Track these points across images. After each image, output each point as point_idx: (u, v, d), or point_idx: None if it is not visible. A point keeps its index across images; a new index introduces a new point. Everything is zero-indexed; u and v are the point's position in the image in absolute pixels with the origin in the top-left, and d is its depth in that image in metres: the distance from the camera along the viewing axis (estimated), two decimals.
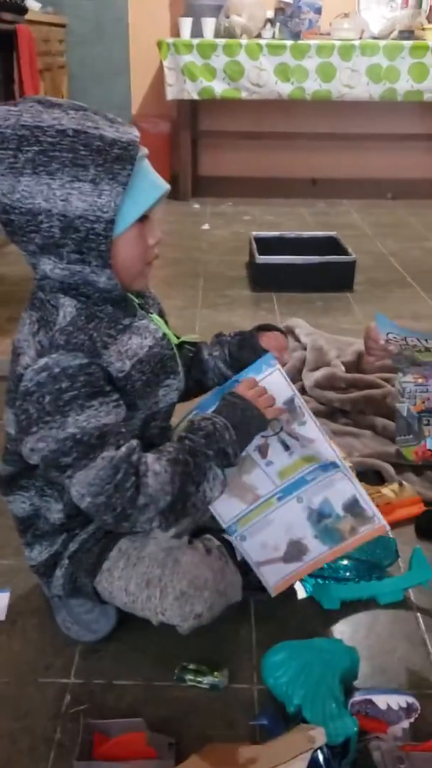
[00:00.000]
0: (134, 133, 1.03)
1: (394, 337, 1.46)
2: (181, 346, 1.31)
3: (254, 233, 3.17)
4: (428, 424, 1.36)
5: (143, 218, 1.07)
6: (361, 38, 3.99)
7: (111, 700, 1.15)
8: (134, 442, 1.08)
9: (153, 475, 1.06)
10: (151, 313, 1.20)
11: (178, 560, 1.14)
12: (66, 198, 0.98)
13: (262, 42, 3.89)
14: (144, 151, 1.06)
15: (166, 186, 1.08)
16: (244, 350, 1.30)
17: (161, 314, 1.26)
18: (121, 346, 1.09)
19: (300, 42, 3.89)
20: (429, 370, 1.43)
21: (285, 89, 3.97)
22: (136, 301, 1.17)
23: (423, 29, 4.04)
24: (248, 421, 1.17)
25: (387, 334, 1.46)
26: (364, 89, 3.96)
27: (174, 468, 1.09)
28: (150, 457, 1.08)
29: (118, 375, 1.08)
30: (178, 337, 1.29)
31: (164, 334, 1.18)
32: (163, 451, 1.11)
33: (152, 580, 1.14)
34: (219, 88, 3.98)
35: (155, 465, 1.07)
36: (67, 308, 1.05)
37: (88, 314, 1.07)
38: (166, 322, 1.26)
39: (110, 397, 1.06)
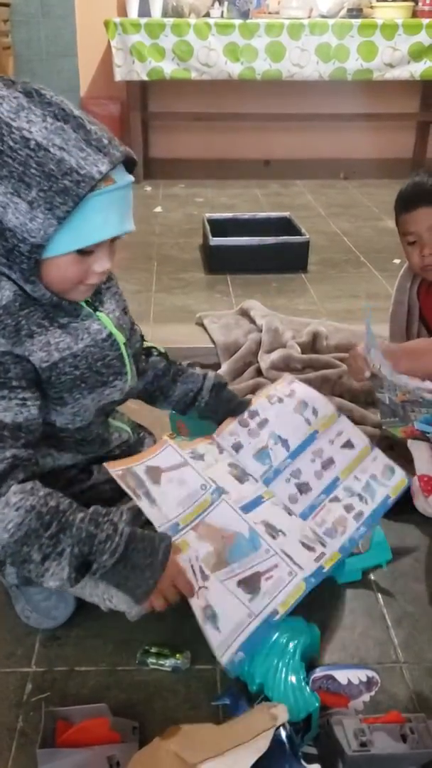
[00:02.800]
0: (100, 167, 0.95)
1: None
2: (149, 350, 1.36)
3: (207, 215, 3.15)
4: (413, 411, 1.37)
5: (86, 251, 1.01)
6: (309, 17, 3.97)
7: (73, 686, 1.15)
8: (13, 460, 1.00)
9: (3, 505, 0.99)
10: (100, 311, 1.16)
11: None
12: (3, 206, 0.95)
13: (211, 21, 3.84)
14: (121, 181, 0.99)
15: (121, 230, 1.01)
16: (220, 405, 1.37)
17: (125, 310, 1.25)
18: (52, 338, 1.07)
19: (249, 21, 3.85)
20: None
21: (235, 69, 3.93)
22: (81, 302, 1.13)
23: (371, 7, 4.04)
24: (139, 573, 1.03)
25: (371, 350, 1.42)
26: (313, 68, 3.96)
27: (30, 518, 0.99)
28: (18, 487, 1.00)
29: (42, 365, 1.06)
30: (143, 338, 1.30)
31: (110, 334, 1.15)
32: (45, 496, 1.01)
33: None
34: (168, 68, 3.92)
35: (15, 497, 0.99)
36: (6, 292, 1.03)
37: (23, 302, 1.04)
38: (126, 313, 1.25)
39: (15, 394, 1.02)
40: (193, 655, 1.19)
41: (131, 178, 1.03)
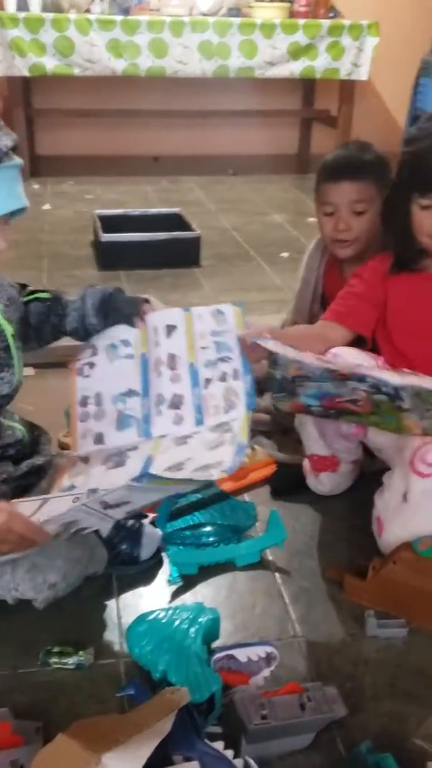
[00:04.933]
0: (6, 141, 1.04)
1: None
2: (28, 303, 1.33)
3: (98, 212, 3.13)
4: (301, 385, 1.36)
5: None
6: (191, 15, 4.01)
7: None
8: None
9: None
10: None
11: None
12: None
13: (92, 17, 3.81)
14: (18, 160, 1.06)
15: (21, 203, 1.09)
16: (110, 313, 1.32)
17: (11, 299, 1.23)
18: None
19: (130, 18, 3.85)
20: None
21: (119, 65, 3.92)
22: None
23: (250, 7, 4.12)
24: None
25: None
26: (197, 66, 3.99)
27: None
28: None
29: None
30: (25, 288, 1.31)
31: None
32: None
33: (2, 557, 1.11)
34: (50, 64, 3.86)
35: None
36: None
37: None
38: (10, 304, 1.23)
39: None
40: (96, 651, 1.19)
41: (21, 159, 1.09)
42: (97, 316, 1.31)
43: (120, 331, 1.31)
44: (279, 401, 1.37)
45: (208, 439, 1.14)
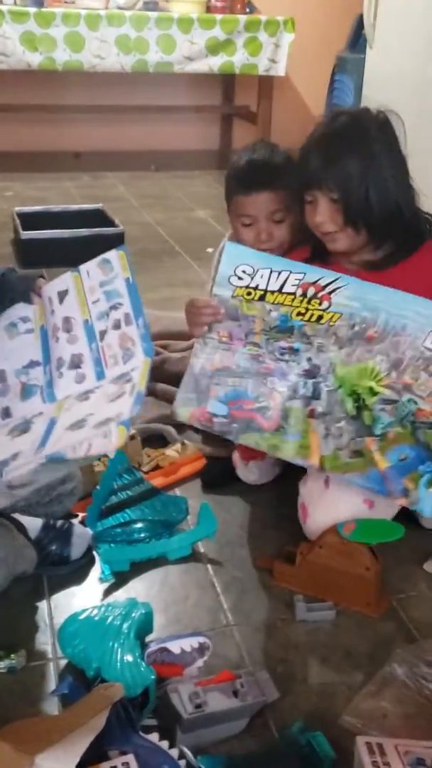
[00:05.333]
0: None
1: (244, 272, 1.31)
2: None
3: (17, 209, 3.06)
4: (218, 384, 1.34)
5: None
6: (107, 8, 3.97)
7: None
8: None
9: None
10: None
11: None
12: None
13: (4, 9, 3.71)
14: None
15: None
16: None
17: None
18: None
19: (44, 10, 3.77)
20: (241, 328, 1.34)
21: (34, 59, 3.84)
22: None
23: (167, 1, 4.11)
24: None
25: (236, 268, 1.31)
26: (115, 60, 3.96)
27: None
28: None
29: None
30: None
31: None
32: None
33: None
34: None
35: None
36: None
37: None
38: None
39: None
40: (28, 653, 1.18)
41: None
42: None
43: (18, 310, 1.32)
44: (183, 406, 1.37)
45: (109, 392, 1.14)
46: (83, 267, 1.30)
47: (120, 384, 1.14)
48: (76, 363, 1.22)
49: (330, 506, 1.32)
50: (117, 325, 1.21)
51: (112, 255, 1.28)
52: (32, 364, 1.26)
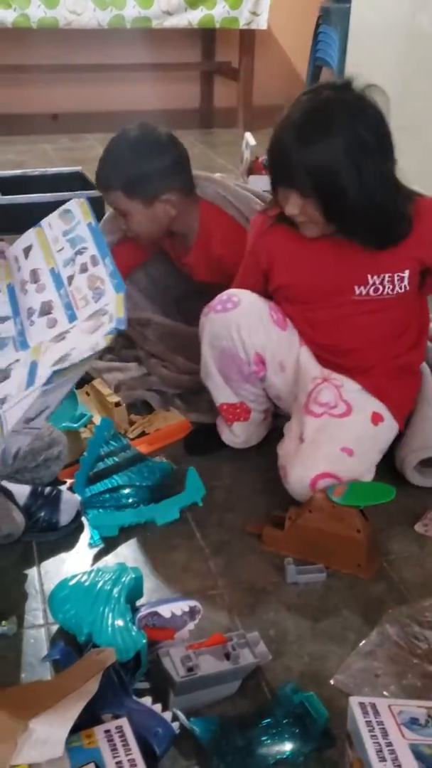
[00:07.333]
0: None
1: None
2: None
3: None
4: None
5: None
6: None
7: None
8: None
9: None
10: None
11: None
12: None
13: None
14: None
15: None
16: None
17: None
18: None
19: None
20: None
21: (8, 16, 3.71)
22: None
23: None
24: None
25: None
26: (91, 16, 3.84)
27: None
28: None
29: None
30: None
31: None
32: None
33: None
34: None
35: None
36: None
37: None
38: None
39: None
40: (20, 619, 1.18)
41: None
42: None
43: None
44: None
45: (86, 327, 1.14)
46: (44, 220, 1.29)
47: (96, 318, 1.14)
48: (46, 310, 1.21)
49: (307, 460, 1.32)
50: (84, 269, 1.21)
51: (72, 204, 1.27)
52: (2, 319, 1.25)
